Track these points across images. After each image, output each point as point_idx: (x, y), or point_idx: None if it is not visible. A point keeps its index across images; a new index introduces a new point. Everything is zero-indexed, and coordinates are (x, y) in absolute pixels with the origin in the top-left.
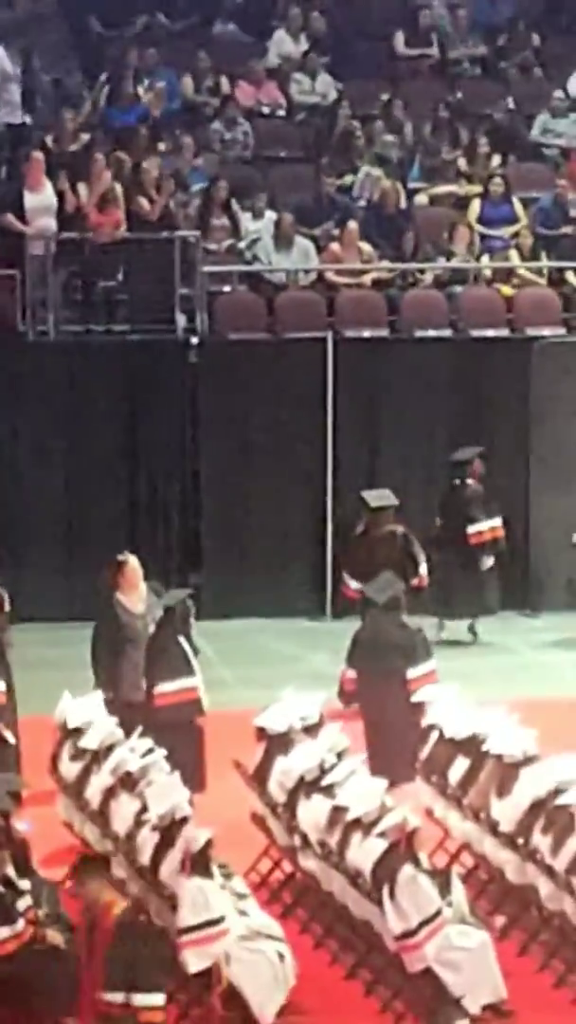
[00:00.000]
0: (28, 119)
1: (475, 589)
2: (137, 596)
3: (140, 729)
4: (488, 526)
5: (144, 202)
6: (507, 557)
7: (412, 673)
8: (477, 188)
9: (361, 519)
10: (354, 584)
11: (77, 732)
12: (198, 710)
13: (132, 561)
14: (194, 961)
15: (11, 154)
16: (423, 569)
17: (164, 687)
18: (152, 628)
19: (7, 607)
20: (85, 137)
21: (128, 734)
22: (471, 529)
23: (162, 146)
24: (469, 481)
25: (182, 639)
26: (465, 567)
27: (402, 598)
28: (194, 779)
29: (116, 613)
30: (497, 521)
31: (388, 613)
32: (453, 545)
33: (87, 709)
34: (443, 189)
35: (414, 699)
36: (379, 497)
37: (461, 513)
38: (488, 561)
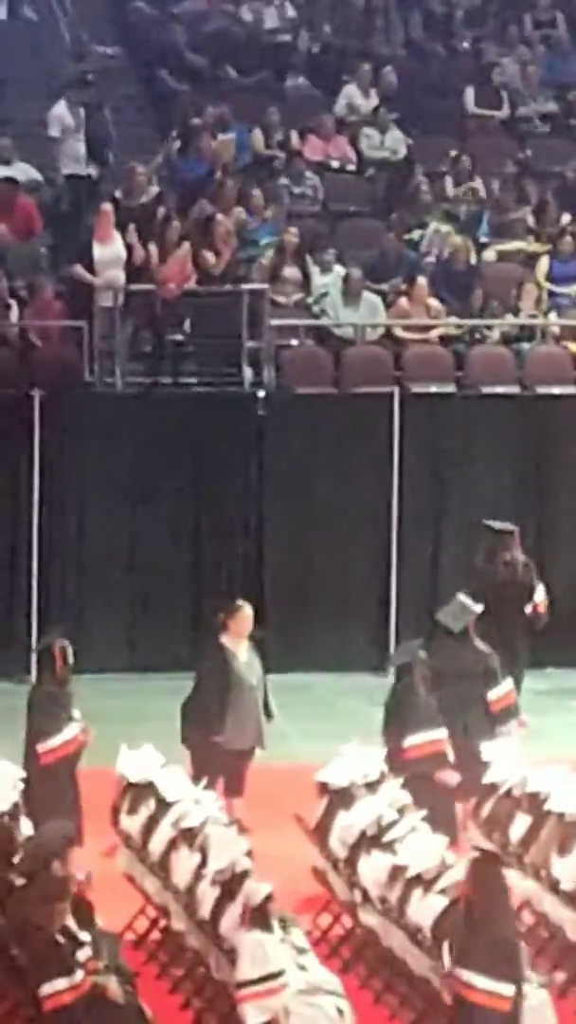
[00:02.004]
0: (93, 171)
1: None
2: (243, 644)
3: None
4: None
5: (211, 256)
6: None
7: (493, 695)
8: (546, 245)
9: (481, 549)
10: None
11: (136, 785)
12: (445, 762)
13: (247, 609)
14: (253, 1015)
15: (79, 206)
16: (539, 596)
17: (413, 739)
18: (252, 678)
19: (70, 659)
20: (154, 190)
21: (208, 778)
22: None
23: (231, 200)
24: None
25: (423, 690)
26: None
27: (471, 624)
28: (447, 830)
29: (223, 657)
30: None
31: (462, 639)
32: None
33: (146, 762)
34: (512, 246)
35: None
36: (502, 524)
37: None
38: None
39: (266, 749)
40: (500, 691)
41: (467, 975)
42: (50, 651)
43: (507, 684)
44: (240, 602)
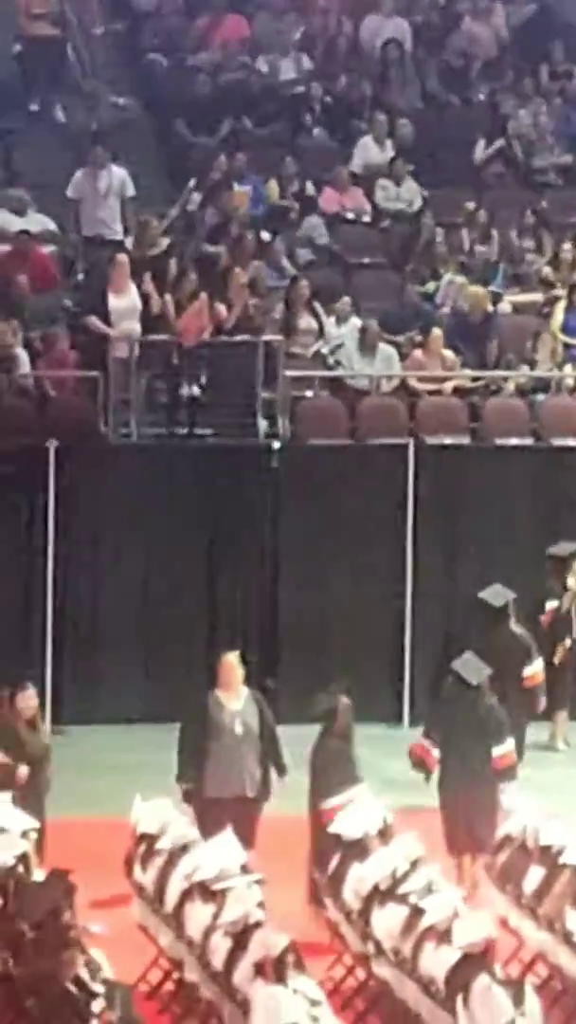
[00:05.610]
0: (121, 235)
1: None
2: (233, 693)
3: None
4: None
5: (223, 308)
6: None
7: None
8: (561, 296)
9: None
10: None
11: (150, 836)
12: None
13: (229, 658)
14: None
15: (94, 257)
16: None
17: (500, 749)
18: (238, 728)
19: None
20: (166, 241)
21: (208, 831)
22: None
23: (247, 251)
24: None
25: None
26: None
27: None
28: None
29: (201, 705)
30: None
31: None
32: None
33: (159, 813)
34: (527, 297)
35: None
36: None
37: None
38: None
39: (255, 796)
40: (534, 668)
41: None
42: (332, 708)
43: (539, 663)
44: (223, 652)
